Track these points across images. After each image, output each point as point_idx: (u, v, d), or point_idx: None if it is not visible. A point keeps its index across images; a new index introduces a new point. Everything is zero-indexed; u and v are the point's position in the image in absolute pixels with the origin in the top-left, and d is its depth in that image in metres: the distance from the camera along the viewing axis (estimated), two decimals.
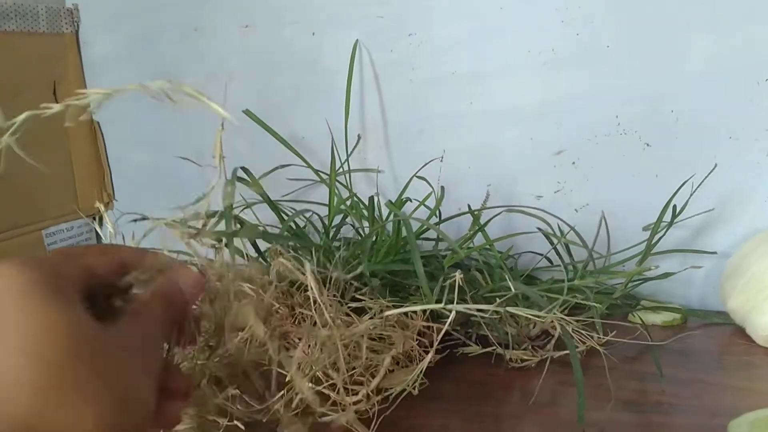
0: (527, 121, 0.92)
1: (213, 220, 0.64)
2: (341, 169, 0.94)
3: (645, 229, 0.84)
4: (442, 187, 0.90)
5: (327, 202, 0.89)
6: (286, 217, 0.75)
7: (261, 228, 0.76)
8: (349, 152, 0.96)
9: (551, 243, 0.86)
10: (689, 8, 0.82)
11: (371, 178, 1.02)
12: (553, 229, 0.85)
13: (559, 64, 0.89)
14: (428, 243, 0.89)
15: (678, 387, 0.65)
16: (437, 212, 0.87)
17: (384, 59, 0.98)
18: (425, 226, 0.78)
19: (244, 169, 0.68)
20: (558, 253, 0.89)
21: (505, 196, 0.95)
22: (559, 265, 0.89)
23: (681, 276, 0.87)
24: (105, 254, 0.42)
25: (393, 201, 0.89)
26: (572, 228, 0.84)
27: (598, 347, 0.69)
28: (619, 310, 0.83)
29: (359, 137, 1.00)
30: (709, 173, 0.80)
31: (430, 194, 0.88)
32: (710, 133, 0.84)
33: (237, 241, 0.65)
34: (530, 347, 0.73)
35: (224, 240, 0.55)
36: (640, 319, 0.78)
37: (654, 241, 0.80)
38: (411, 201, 0.88)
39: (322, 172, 0.93)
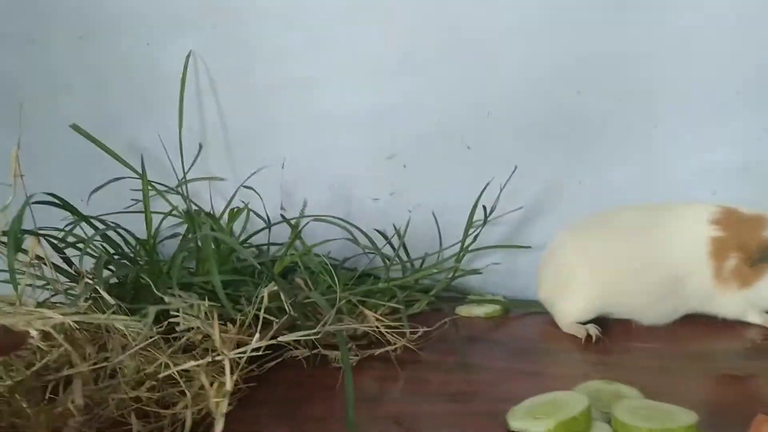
0: (361, 126, 0.96)
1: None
2: (182, 180, 0.95)
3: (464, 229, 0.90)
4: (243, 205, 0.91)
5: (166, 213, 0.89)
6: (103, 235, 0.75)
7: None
8: (188, 162, 0.96)
9: (375, 249, 0.90)
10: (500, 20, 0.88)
11: (215, 187, 1.03)
12: (356, 239, 0.89)
13: (386, 72, 0.93)
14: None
15: (480, 375, 0.70)
16: (267, 218, 0.89)
17: (220, 66, 0.99)
18: (249, 236, 0.80)
19: (48, 193, 0.68)
20: (394, 251, 0.93)
21: (345, 199, 0.98)
22: (397, 264, 0.93)
23: (505, 269, 0.94)
24: None
25: (232, 208, 0.90)
26: (397, 230, 0.88)
27: (408, 344, 0.73)
28: (448, 303, 0.88)
29: (200, 146, 1.01)
30: (510, 176, 0.86)
31: (247, 205, 0.89)
32: (524, 133, 0.90)
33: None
34: (353, 347, 0.76)
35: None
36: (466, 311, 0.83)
37: (470, 240, 0.85)
38: (243, 209, 0.90)
39: (159, 184, 0.93)
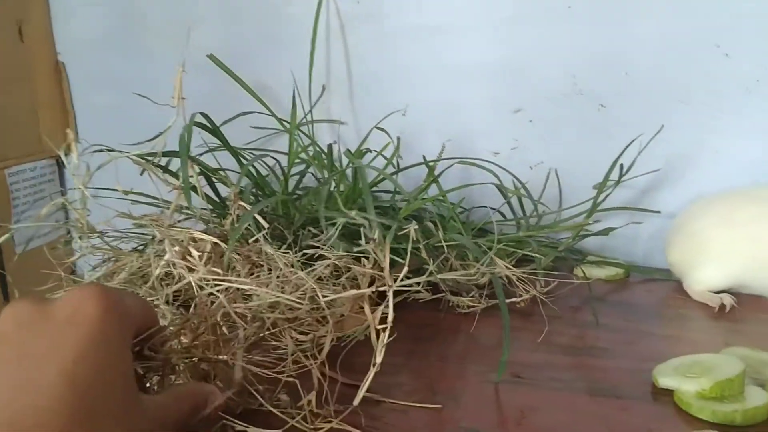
0: (488, 78, 0.94)
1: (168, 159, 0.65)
2: (305, 120, 0.96)
3: (595, 187, 0.88)
4: (398, 138, 0.91)
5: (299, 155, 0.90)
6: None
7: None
8: (312, 103, 0.97)
9: (504, 197, 0.89)
10: None
11: (335, 129, 1.03)
12: (504, 186, 0.87)
13: (521, 21, 0.90)
14: (387, 195, 0.91)
15: (613, 334, 0.69)
16: (396, 164, 0.89)
17: (350, 10, 0.98)
18: (383, 177, 0.80)
19: (203, 114, 0.69)
20: (511, 208, 0.92)
21: (463, 152, 0.97)
22: (512, 220, 0.92)
23: (627, 234, 0.92)
24: (152, 314, 0.46)
25: (353, 151, 0.91)
26: (523, 184, 0.87)
27: (540, 296, 0.73)
28: (566, 263, 0.86)
29: (324, 88, 1.01)
30: (655, 134, 0.83)
31: (388, 144, 0.89)
32: (661, 96, 0.87)
33: (195, 183, 0.67)
34: (478, 295, 0.76)
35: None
36: (583, 272, 0.82)
37: (600, 199, 0.83)
38: (371, 152, 0.90)
39: (286, 121, 0.94)
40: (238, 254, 0.61)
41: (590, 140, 0.91)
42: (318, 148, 0.90)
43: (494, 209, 0.92)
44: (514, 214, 0.93)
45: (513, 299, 0.74)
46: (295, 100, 0.94)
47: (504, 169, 0.88)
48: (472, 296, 0.76)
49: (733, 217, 0.77)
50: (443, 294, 0.75)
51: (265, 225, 0.59)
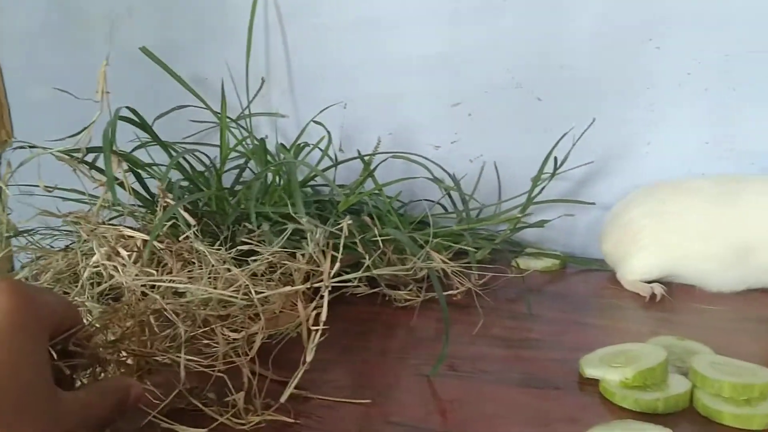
0: (428, 72, 0.94)
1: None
2: (243, 113, 0.94)
3: (532, 179, 0.88)
4: (329, 132, 0.90)
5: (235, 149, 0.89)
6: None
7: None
8: (251, 96, 0.96)
9: (443, 190, 0.90)
10: None
11: (275, 123, 1.02)
12: (439, 180, 0.88)
13: (461, 16, 0.91)
14: (328, 189, 0.91)
15: (546, 325, 0.70)
16: (335, 157, 0.88)
17: (290, 1, 0.97)
18: (317, 170, 0.80)
19: (130, 108, 0.68)
20: (452, 201, 0.93)
21: (404, 146, 0.97)
22: (452, 213, 0.93)
23: (564, 226, 0.93)
24: (73, 311, 0.45)
25: (299, 143, 0.90)
26: (454, 179, 0.87)
27: (475, 289, 0.73)
28: (505, 256, 0.87)
29: (263, 80, 1.00)
30: (587, 128, 0.85)
31: (323, 138, 0.89)
32: (597, 89, 0.88)
33: (123, 178, 0.65)
34: (416, 288, 0.76)
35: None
36: (517, 264, 0.83)
37: (536, 192, 0.84)
38: (309, 145, 0.89)
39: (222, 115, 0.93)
40: (170, 251, 0.60)
41: (528, 133, 0.92)
42: (256, 142, 0.89)
43: (434, 202, 0.92)
44: (455, 207, 0.93)
45: (450, 292, 0.74)
46: (224, 93, 0.91)
47: (435, 163, 0.88)
48: (409, 290, 0.76)
49: (664, 207, 0.79)
50: (380, 288, 0.75)
51: (191, 221, 0.58)
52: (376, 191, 0.79)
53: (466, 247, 0.76)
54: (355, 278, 0.60)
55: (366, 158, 0.81)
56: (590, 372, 0.56)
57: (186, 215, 0.59)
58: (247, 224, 0.73)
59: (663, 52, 0.85)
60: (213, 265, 0.61)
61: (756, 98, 0.83)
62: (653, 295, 0.75)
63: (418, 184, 0.93)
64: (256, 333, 0.60)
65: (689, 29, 0.83)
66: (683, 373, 0.56)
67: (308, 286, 0.60)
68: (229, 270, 0.60)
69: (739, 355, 0.59)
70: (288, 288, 0.61)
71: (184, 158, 0.78)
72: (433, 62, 0.94)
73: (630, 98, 0.87)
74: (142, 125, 0.70)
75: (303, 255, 0.66)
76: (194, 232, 0.62)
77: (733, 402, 0.52)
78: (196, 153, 0.83)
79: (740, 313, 0.72)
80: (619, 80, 0.87)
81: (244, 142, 0.86)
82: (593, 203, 0.89)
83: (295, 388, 0.54)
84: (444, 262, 0.72)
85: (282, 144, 0.85)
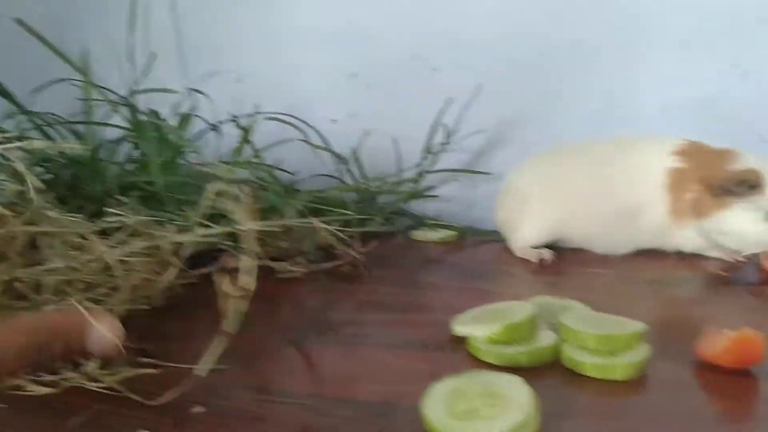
0: (324, 44, 0.92)
1: None
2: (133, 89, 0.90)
3: (429, 151, 0.87)
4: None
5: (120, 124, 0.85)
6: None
7: None
8: (140, 70, 0.92)
9: (342, 163, 0.88)
10: None
11: (168, 99, 0.98)
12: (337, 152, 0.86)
13: None
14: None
15: (435, 292, 0.69)
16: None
17: None
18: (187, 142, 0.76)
19: None
20: (352, 174, 0.91)
21: (302, 118, 0.95)
22: (354, 187, 0.91)
23: (463, 199, 0.92)
24: None
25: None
26: (325, 144, 0.85)
27: (357, 256, 0.71)
28: (404, 227, 0.86)
29: (153, 55, 0.96)
30: (474, 96, 0.84)
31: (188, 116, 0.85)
32: (491, 58, 0.87)
33: None
34: (305, 261, 0.73)
35: None
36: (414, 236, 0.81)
37: (429, 164, 0.83)
38: (200, 118, 0.86)
39: (106, 89, 0.89)
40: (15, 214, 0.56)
41: (424, 105, 0.90)
42: (144, 117, 0.85)
43: (332, 176, 0.90)
44: (355, 180, 0.91)
45: (336, 263, 0.72)
46: (89, 64, 0.87)
47: (309, 123, 0.85)
48: (298, 262, 0.73)
49: (550, 172, 0.79)
50: (261, 261, 0.72)
51: (40, 185, 0.54)
52: (255, 159, 0.76)
53: (346, 214, 0.73)
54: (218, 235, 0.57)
55: (246, 126, 0.78)
56: (459, 330, 0.55)
57: (35, 179, 0.55)
58: (119, 197, 0.69)
59: (556, 23, 0.84)
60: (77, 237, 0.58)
61: (645, 62, 0.83)
62: (542, 260, 0.75)
63: (318, 159, 0.92)
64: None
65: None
66: (554, 329, 0.55)
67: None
68: (84, 238, 0.57)
69: (616, 312, 0.58)
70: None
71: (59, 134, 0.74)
72: (330, 34, 0.92)
73: (522, 69, 0.87)
74: (3, 94, 0.66)
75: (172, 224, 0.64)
76: (50, 201, 0.59)
77: (598, 353, 0.51)
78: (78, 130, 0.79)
79: (627, 276, 0.72)
80: (513, 50, 0.86)
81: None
82: (489, 173, 0.89)
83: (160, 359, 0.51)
84: (327, 230, 0.70)
85: (154, 119, 0.80)
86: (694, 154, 0.74)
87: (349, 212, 0.73)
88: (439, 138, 0.83)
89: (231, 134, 0.85)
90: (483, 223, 0.93)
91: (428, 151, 0.82)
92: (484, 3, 0.87)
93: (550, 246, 0.78)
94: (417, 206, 0.90)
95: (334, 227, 0.73)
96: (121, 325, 0.46)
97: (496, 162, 0.91)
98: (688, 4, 0.81)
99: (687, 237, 0.76)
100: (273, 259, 0.72)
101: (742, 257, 0.76)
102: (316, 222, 0.68)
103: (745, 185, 0.69)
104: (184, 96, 0.96)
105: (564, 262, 0.76)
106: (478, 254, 0.82)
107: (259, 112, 0.82)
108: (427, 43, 0.89)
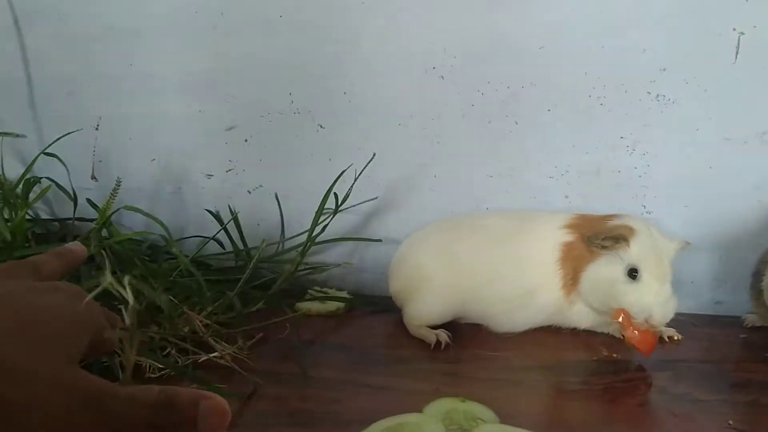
0: (195, 90, 0.83)
1: None
2: None
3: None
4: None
5: None
6: None
7: None
8: None
9: (220, 223, 0.80)
10: None
11: (14, 148, 0.85)
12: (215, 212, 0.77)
13: (229, 31, 0.80)
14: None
15: (322, 390, 0.62)
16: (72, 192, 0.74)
17: (27, 5, 0.81)
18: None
19: None
20: (230, 237, 0.83)
21: (174, 174, 0.85)
22: (232, 251, 0.83)
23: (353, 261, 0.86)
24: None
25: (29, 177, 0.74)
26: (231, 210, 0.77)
27: (238, 354, 0.63)
28: (287, 300, 0.79)
29: None
30: (368, 163, 0.78)
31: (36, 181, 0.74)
32: (381, 118, 0.82)
33: None
34: (173, 351, 0.64)
35: None
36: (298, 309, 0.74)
37: (317, 230, 0.76)
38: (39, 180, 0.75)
39: None
40: None
41: (310, 163, 0.84)
42: None
43: (209, 238, 0.82)
44: (233, 244, 0.83)
45: (212, 355, 0.64)
46: None
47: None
48: (166, 354, 0.64)
49: (448, 248, 0.75)
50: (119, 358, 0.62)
51: None
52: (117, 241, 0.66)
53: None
54: None
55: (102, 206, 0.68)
56: None
57: None
58: None
59: (447, 82, 0.80)
60: None
61: (534, 131, 0.81)
62: (438, 343, 0.71)
63: (193, 219, 0.83)
64: None
65: (472, 59, 0.80)
66: None
67: None
68: None
69: (520, 416, 0.55)
70: None
71: None
72: (200, 80, 0.83)
73: (415, 129, 0.82)
74: None
75: None
76: None
77: None
78: None
79: (524, 360, 0.70)
80: (403, 110, 0.82)
81: None
82: (380, 240, 0.83)
83: None
84: (201, 321, 0.61)
85: None
86: (582, 224, 0.73)
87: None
88: (330, 203, 0.77)
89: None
90: (373, 287, 0.88)
91: (318, 218, 0.75)
92: (367, 57, 0.81)
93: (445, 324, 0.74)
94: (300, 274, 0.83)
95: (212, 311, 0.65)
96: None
97: (386, 225, 0.86)
98: (579, 75, 0.79)
99: (580, 312, 0.74)
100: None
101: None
102: (193, 316, 0.59)
103: (613, 238, 0.69)
104: (34, 147, 0.84)
105: (460, 344, 0.72)
106: (369, 331, 0.76)
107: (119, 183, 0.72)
108: (311, 97, 0.83)
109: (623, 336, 0.69)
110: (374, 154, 0.78)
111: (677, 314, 0.73)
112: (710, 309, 0.85)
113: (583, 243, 0.71)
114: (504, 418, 0.55)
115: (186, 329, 0.65)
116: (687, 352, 0.73)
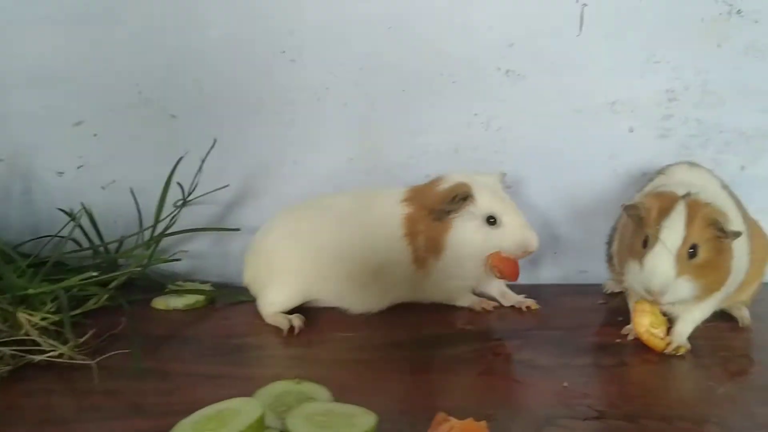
0: (40, 86, 0.80)
1: None
2: None
3: (175, 205, 0.79)
4: None
5: None
6: None
7: None
8: None
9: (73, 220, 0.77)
10: None
11: None
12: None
13: (70, 21, 0.78)
14: None
15: (161, 382, 0.60)
16: None
17: None
18: None
19: None
20: (85, 234, 0.80)
21: (22, 172, 0.82)
22: (89, 248, 0.80)
23: (217, 254, 0.85)
24: None
25: None
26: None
27: (71, 353, 0.61)
28: (144, 295, 0.77)
29: None
30: (210, 149, 0.77)
31: None
32: (234, 105, 0.81)
33: None
34: (5, 355, 0.61)
35: None
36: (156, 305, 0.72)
37: (169, 222, 0.74)
38: None
39: None
40: None
41: (164, 154, 0.82)
42: None
43: (64, 238, 0.78)
44: (89, 241, 0.80)
45: (46, 356, 0.61)
46: None
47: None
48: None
49: (296, 230, 0.74)
50: None
51: None
52: None
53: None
54: None
55: None
56: None
57: None
58: None
59: (298, 66, 0.80)
60: None
61: (391, 112, 0.81)
62: (292, 328, 0.70)
63: (45, 218, 0.80)
64: None
65: (322, 42, 0.79)
66: (282, 417, 0.50)
67: None
68: None
69: (357, 393, 0.55)
70: None
71: None
72: (42, 72, 0.80)
73: (269, 115, 0.81)
74: None
75: None
76: None
77: None
78: None
79: (378, 338, 0.69)
80: (255, 95, 0.81)
81: None
82: (238, 229, 0.82)
83: None
84: (32, 323, 0.59)
85: None
86: (416, 195, 0.74)
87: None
88: (180, 193, 0.75)
89: None
90: (239, 278, 0.86)
91: (161, 210, 0.73)
92: (215, 43, 0.80)
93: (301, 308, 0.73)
94: (162, 266, 0.81)
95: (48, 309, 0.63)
96: None
97: (248, 213, 0.84)
98: (430, 55, 0.80)
99: (435, 284, 0.75)
100: None
101: (490, 307, 0.77)
102: (23, 317, 0.57)
103: (457, 199, 0.71)
104: None
105: (315, 328, 0.71)
106: (228, 323, 0.75)
107: None
108: (161, 86, 0.81)
109: (496, 272, 0.72)
110: (215, 141, 0.77)
111: (545, 285, 0.75)
112: (576, 278, 0.87)
113: (428, 216, 0.72)
114: (341, 396, 0.54)
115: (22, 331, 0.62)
116: (542, 321, 0.75)
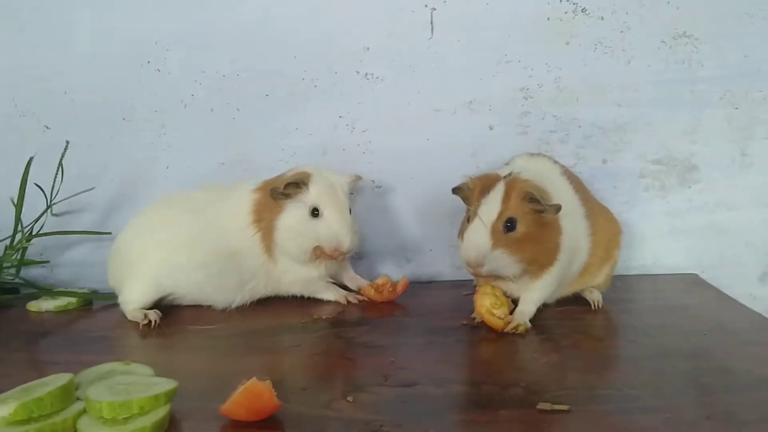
0: None
1: None
2: None
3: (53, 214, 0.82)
4: None
5: None
6: None
7: None
8: None
9: None
10: None
11: None
12: None
13: None
14: None
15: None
16: None
17: None
18: None
19: None
20: None
21: None
22: None
23: (97, 260, 0.87)
24: None
25: None
26: None
27: None
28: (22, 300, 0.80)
29: None
30: (64, 151, 0.80)
31: None
32: (105, 114, 0.84)
33: None
34: None
35: None
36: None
37: (36, 226, 0.77)
38: None
39: None
40: None
41: (40, 165, 0.83)
42: None
43: None
44: None
45: None
46: None
47: None
48: None
49: (150, 227, 0.77)
50: None
51: None
52: None
53: None
54: None
55: None
56: None
57: None
58: None
59: (164, 74, 0.84)
60: None
61: (256, 116, 0.85)
62: (149, 321, 0.72)
63: None
64: None
65: (185, 50, 0.83)
66: None
67: None
68: None
69: (179, 371, 0.57)
70: None
71: None
72: None
73: (139, 122, 0.85)
74: None
75: None
76: None
77: (113, 423, 0.49)
78: None
79: (233, 329, 0.72)
80: (124, 104, 0.84)
81: None
82: (109, 233, 0.84)
83: None
84: None
85: None
86: (267, 185, 0.76)
87: None
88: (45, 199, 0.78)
89: None
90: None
91: (19, 216, 0.75)
92: (82, 55, 0.84)
93: (159, 305, 0.76)
94: (42, 273, 0.83)
95: None
96: None
97: (125, 220, 0.86)
98: (290, 59, 0.84)
99: (286, 272, 0.77)
100: None
101: (356, 300, 0.80)
102: None
103: (293, 184, 0.74)
104: None
105: (176, 321, 0.74)
106: (93, 321, 0.77)
107: None
108: (34, 98, 0.84)
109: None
110: (67, 143, 0.80)
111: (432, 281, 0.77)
112: (453, 274, 0.90)
113: (270, 198, 0.74)
114: (165, 374, 0.56)
115: None
116: (401, 311, 0.78)
